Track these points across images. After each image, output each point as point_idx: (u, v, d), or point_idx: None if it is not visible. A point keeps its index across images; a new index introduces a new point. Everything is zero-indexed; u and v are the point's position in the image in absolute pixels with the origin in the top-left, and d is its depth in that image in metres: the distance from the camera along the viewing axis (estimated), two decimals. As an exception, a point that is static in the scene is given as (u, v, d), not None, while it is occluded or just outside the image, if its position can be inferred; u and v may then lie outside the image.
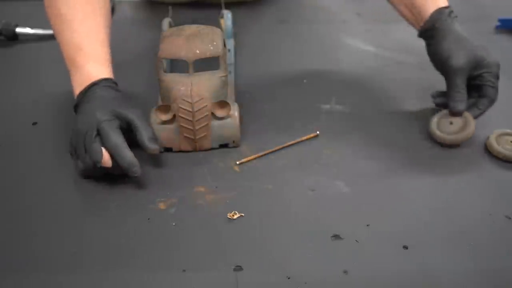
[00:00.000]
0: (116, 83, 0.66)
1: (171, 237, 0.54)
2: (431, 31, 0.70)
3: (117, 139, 0.59)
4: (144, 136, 0.60)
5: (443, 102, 0.69)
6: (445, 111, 0.68)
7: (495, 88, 0.67)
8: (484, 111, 0.68)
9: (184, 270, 0.51)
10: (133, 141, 0.61)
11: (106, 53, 0.67)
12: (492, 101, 0.68)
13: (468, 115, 0.67)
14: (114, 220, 0.57)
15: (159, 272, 0.51)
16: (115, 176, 0.60)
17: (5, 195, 0.60)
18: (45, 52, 0.88)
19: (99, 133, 0.59)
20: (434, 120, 0.68)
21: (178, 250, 0.53)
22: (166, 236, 0.55)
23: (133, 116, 0.61)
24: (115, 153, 0.58)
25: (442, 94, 0.71)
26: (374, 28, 0.96)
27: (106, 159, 0.58)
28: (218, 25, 0.80)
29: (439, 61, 0.69)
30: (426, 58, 0.86)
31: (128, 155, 0.58)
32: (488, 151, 0.66)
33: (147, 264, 0.52)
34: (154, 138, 0.61)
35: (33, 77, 0.82)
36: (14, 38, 0.91)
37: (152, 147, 0.60)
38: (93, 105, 0.61)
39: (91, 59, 0.65)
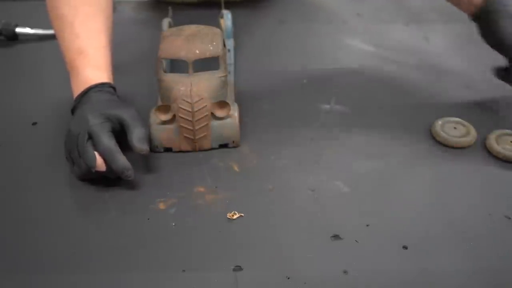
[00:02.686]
0: (113, 87, 0.66)
1: (171, 237, 0.54)
2: (487, 12, 0.70)
3: (109, 142, 0.58)
4: (133, 136, 0.60)
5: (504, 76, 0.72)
6: (449, 118, 0.69)
7: None
8: None
9: (184, 270, 0.51)
10: (128, 143, 0.61)
11: (107, 56, 0.66)
12: None
13: (468, 124, 0.68)
14: (113, 220, 0.57)
15: (159, 272, 0.51)
16: (113, 178, 0.60)
17: (5, 195, 0.60)
18: (45, 52, 0.88)
19: (90, 137, 0.58)
20: (439, 122, 0.68)
21: (178, 250, 0.53)
22: (166, 236, 0.55)
23: (125, 116, 0.61)
24: (107, 157, 0.57)
25: (504, 70, 0.72)
26: (374, 28, 0.95)
27: (99, 163, 0.57)
28: (217, 25, 0.80)
29: (499, 40, 0.69)
30: (426, 58, 0.87)
31: (120, 158, 0.58)
32: (488, 151, 0.66)
33: (147, 264, 0.52)
34: (144, 138, 0.60)
35: (33, 77, 0.82)
36: (14, 38, 0.91)
37: (140, 147, 0.59)
38: (85, 109, 0.61)
39: (90, 64, 0.65)
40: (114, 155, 0.58)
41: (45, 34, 0.91)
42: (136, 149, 0.60)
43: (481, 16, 0.71)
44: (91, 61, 0.65)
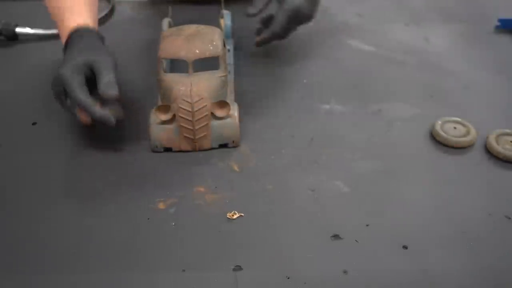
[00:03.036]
0: (95, 31, 0.67)
1: (170, 237, 0.54)
2: None
3: (80, 95, 0.59)
4: (101, 81, 0.60)
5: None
6: (449, 118, 0.69)
7: (280, 24, 0.71)
8: (266, 41, 0.73)
9: (183, 270, 0.51)
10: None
11: (91, 10, 0.69)
12: (275, 34, 0.72)
13: (468, 124, 0.68)
14: (113, 220, 0.57)
15: (159, 272, 0.51)
16: (114, 175, 0.60)
17: (5, 195, 0.60)
18: (45, 52, 0.88)
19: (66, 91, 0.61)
20: (439, 122, 0.68)
21: (178, 250, 0.53)
22: (165, 236, 0.55)
23: (95, 63, 0.61)
24: (84, 109, 0.60)
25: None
26: (374, 28, 0.95)
27: (84, 119, 0.62)
28: (217, 25, 0.80)
29: None
30: (426, 58, 0.87)
31: (95, 110, 0.59)
32: (488, 151, 0.66)
33: (147, 264, 0.52)
34: (112, 82, 0.60)
35: (33, 77, 0.82)
36: (14, 38, 0.91)
37: (108, 92, 0.59)
38: (63, 61, 0.62)
39: (74, 15, 0.66)
40: (88, 108, 0.59)
41: (45, 34, 0.91)
42: (103, 95, 0.59)
43: None
44: (75, 13, 0.67)
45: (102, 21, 0.94)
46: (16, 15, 0.96)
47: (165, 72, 0.64)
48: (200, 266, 0.51)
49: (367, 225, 0.56)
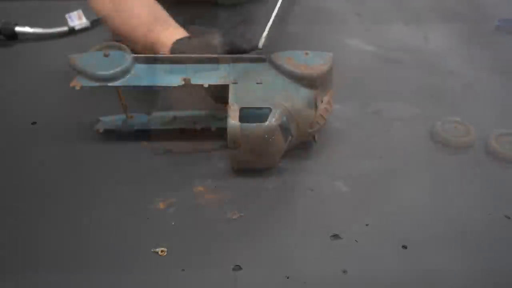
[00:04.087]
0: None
1: (170, 237, 0.54)
2: None
3: None
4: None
5: None
6: (449, 118, 0.69)
7: None
8: None
9: (183, 270, 0.51)
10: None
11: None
12: None
13: (469, 124, 0.68)
14: (113, 220, 0.56)
15: (159, 272, 0.51)
16: (114, 175, 0.60)
17: (5, 195, 0.60)
18: (45, 52, 0.88)
19: None
20: (439, 122, 0.68)
21: (178, 249, 0.53)
22: (165, 235, 0.55)
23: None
24: None
25: None
26: (374, 28, 0.96)
27: None
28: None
29: None
30: (426, 58, 0.87)
31: None
32: (488, 151, 0.66)
33: (147, 264, 0.52)
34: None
35: (33, 76, 0.82)
36: (14, 37, 0.91)
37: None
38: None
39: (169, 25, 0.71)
40: None
41: (44, 33, 0.91)
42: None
43: None
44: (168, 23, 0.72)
45: (101, 22, 0.94)
46: (15, 15, 0.96)
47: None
48: (199, 265, 0.51)
49: (367, 225, 0.56)
